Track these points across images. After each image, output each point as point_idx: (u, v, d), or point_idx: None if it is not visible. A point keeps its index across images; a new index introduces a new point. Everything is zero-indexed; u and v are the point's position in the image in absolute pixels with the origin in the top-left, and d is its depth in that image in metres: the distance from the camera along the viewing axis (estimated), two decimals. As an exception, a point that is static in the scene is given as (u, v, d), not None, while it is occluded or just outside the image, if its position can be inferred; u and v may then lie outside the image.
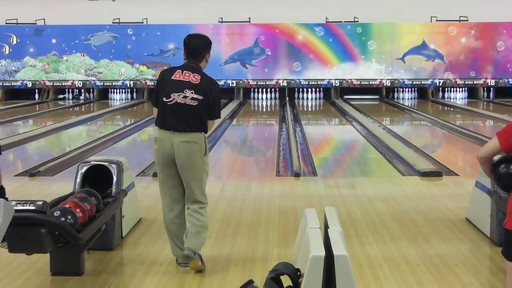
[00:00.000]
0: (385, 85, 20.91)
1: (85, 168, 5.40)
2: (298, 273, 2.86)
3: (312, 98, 21.13)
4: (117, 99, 21.24)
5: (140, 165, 8.91)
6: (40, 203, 4.11)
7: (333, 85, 20.82)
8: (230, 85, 20.71)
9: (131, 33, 20.78)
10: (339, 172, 8.85)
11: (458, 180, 8.08)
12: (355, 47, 20.66)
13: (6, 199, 3.88)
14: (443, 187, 7.72)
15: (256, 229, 5.86)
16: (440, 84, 20.91)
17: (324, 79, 20.77)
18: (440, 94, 21.30)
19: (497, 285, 4.45)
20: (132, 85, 20.97)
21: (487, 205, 5.45)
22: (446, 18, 20.59)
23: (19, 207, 4.02)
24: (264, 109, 19.33)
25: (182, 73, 4.71)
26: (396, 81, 20.83)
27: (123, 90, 21.31)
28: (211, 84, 4.74)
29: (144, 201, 6.58)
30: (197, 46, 4.77)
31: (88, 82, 20.95)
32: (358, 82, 20.81)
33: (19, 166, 9.50)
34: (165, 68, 5.06)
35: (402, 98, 21.21)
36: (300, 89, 21.14)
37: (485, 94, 21.21)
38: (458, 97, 21.21)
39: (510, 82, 20.78)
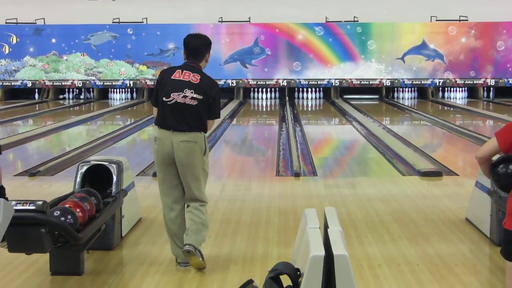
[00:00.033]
0: (385, 84, 20.91)
1: (85, 168, 5.40)
2: (298, 272, 2.86)
3: (312, 98, 21.13)
4: (117, 98, 21.24)
5: (140, 164, 8.91)
6: (40, 203, 4.11)
7: (333, 84, 20.82)
8: (230, 84, 20.71)
9: (131, 32, 20.78)
10: (339, 172, 8.85)
11: (458, 180, 8.08)
12: (355, 46, 20.66)
13: (6, 199, 3.87)
14: (443, 187, 7.72)
15: (256, 229, 5.86)
16: (440, 84, 20.91)
17: (324, 79, 20.77)
18: (440, 94, 21.30)
19: (496, 285, 4.46)
20: (132, 85, 20.97)
21: (487, 205, 5.45)
22: (446, 18, 20.59)
23: (19, 207, 4.02)
24: (264, 109, 19.33)
25: (182, 73, 4.72)
26: (396, 81, 20.83)
27: (123, 90, 21.31)
28: (210, 84, 4.74)
29: (144, 201, 6.58)
30: (197, 46, 4.77)
31: (88, 82, 20.94)
32: (358, 82, 20.81)
33: (19, 165, 9.50)
34: (165, 68, 5.06)
35: (402, 98, 21.21)
36: (300, 89, 21.14)
37: (485, 94, 21.21)
38: (458, 97, 21.21)
39: (510, 82, 20.78)
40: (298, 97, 21.12)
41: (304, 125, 14.34)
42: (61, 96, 21.54)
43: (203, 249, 4.79)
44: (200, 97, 4.67)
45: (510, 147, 3.38)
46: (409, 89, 21.32)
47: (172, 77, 4.71)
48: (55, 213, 4.29)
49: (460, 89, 21.29)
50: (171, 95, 4.67)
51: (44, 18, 20.73)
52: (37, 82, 20.98)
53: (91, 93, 21.49)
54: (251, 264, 4.90)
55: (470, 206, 6.08)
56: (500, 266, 4.70)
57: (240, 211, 6.53)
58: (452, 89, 21.28)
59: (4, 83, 21.02)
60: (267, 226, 5.96)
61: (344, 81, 20.76)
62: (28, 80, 20.93)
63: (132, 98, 21.27)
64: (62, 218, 4.27)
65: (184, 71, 4.73)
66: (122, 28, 20.79)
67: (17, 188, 7.59)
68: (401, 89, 21.35)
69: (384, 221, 6.07)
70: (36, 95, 21.41)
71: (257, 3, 20.85)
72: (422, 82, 20.85)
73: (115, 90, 21.26)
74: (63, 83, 21.05)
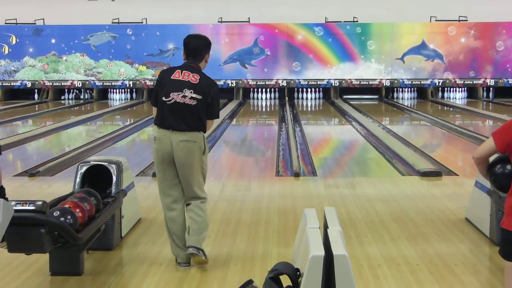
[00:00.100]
0: (384, 85, 20.91)
1: (84, 168, 5.40)
2: (298, 273, 2.86)
3: (311, 98, 21.13)
4: (117, 99, 21.23)
5: (139, 165, 8.91)
6: (39, 203, 4.11)
7: (333, 85, 20.82)
8: (230, 85, 20.71)
9: (130, 33, 20.78)
10: (338, 172, 8.85)
11: (457, 180, 8.08)
12: (354, 47, 20.66)
13: (6, 199, 3.87)
14: (442, 187, 7.72)
15: (255, 229, 5.86)
16: (440, 84, 20.91)
17: (324, 79, 20.77)
18: (440, 94, 21.30)
19: (496, 284, 4.46)
20: (131, 85, 20.97)
21: (486, 205, 5.45)
22: (445, 18, 20.60)
23: (19, 207, 4.02)
24: (264, 109, 19.33)
25: (181, 73, 4.73)
26: (396, 81, 20.83)
27: (123, 90, 21.30)
28: (210, 84, 4.75)
29: (143, 201, 6.58)
30: (196, 46, 4.79)
31: (87, 82, 20.94)
32: (358, 82, 20.81)
33: (19, 166, 9.50)
34: (165, 68, 5.07)
35: (402, 98, 21.21)
36: (300, 89, 21.14)
37: (485, 94, 21.21)
38: (458, 97, 21.21)
39: (510, 82, 20.79)
40: (298, 97, 21.12)
41: (303, 125, 14.34)
42: (62, 97, 21.55)
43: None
44: (199, 97, 4.69)
45: (507, 147, 3.37)
46: (409, 89, 21.32)
47: (171, 77, 4.73)
48: (54, 214, 4.28)
49: (460, 89, 21.29)
50: (171, 95, 4.68)
51: (43, 19, 20.72)
52: (37, 82, 20.98)
53: (90, 94, 21.47)
54: (251, 264, 4.90)
55: (470, 206, 6.08)
56: (500, 266, 4.69)
57: (240, 211, 6.53)
58: (451, 89, 21.28)
59: (4, 84, 21.02)
60: (266, 226, 5.96)
61: (343, 81, 20.77)
62: (28, 81, 20.93)
63: (131, 98, 21.27)
64: (62, 219, 4.27)
65: (184, 71, 4.74)
66: (122, 29, 20.79)
67: (17, 188, 7.59)
68: (400, 89, 21.35)
69: (384, 221, 6.07)
70: (36, 96, 21.41)
71: (257, 3, 20.85)
72: (422, 82, 20.86)
73: (114, 90, 21.26)
74: (62, 84, 21.05)
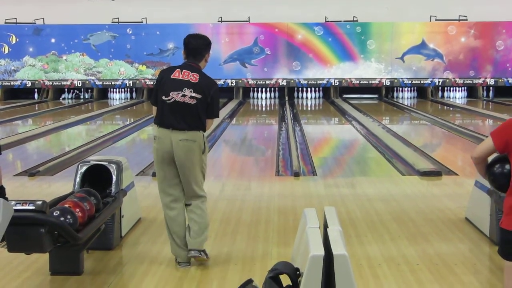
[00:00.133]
0: (384, 84, 20.91)
1: (84, 168, 5.40)
2: (298, 272, 2.86)
3: (311, 98, 21.12)
4: (117, 98, 21.23)
5: (139, 164, 8.91)
6: (39, 202, 4.11)
7: (333, 84, 20.81)
8: (230, 84, 20.71)
9: (130, 32, 20.77)
10: (338, 172, 8.85)
11: (457, 179, 8.08)
12: (354, 46, 20.66)
13: (6, 199, 3.87)
14: (442, 187, 7.72)
15: (255, 228, 5.86)
16: (440, 84, 20.91)
17: (324, 79, 20.76)
18: (440, 93, 21.29)
19: (496, 284, 4.45)
20: (131, 85, 20.96)
21: (486, 204, 5.45)
22: (445, 17, 20.59)
23: (19, 207, 4.02)
24: (264, 109, 19.33)
25: (181, 72, 4.74)
26: (396, 81, 20.83)
27: (123, 90, 21.30)
28: (209, 83, 4.76)
29: (143, 200, 6.58)
30: (196, 46, 4.79)
31: (87, 82, 20.94)
32: (358, 82, 20.81)
33: (19, 165, 9.50)
34: (165, 68, 5.08)
35: (402, 98, 21.21)
36: (300, 89, 21.14)
37: (485, 93, 21.21)
38: (458, 97, 21.21)
39: (510, 81, 20.78)
40: (298, 97, 21.11)
41: (303, 124, 14.34)
42: (63, 96, 21.55)
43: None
44: (199, 96, 4.69)
45: (505, 146, 3.37)
46: (409, 88, 21.31)
47: (171, 76, 4.74)
48: (54, 213, 4.28)
49: (460, 88, 21.29)
50: (170, 94, 4.69)
51: (43, 18, 20.72)
52: (37, 82, 20.97)
53: (90, 93, 21.48)
54: (250, 263, 4.90)
55: (470, 205, 6.08)
56: (499, 266, 4.69)
57: (240, 210, 6.53)
58: (451, 88, 21.28)
59: (4, 83, 21.02)
60: (266, 225, 5.96)
61: (343, 81, 20.76)
62: (28, 80, 20.93)
63: (131, 98, 21.27)
64: (62, 218, 4.27)
65: (184, 70, 4.75)
66: (122, 28, 20.79)
67: (17, 188, 7.59)
68: (400, 88, 21.34)
69: (383, 221, 6.07)
70: (36, 95, 21.40)
71: (257, 3, 20.84)
72: (422, 81, 20.85)
73: (114, 90, 21.26)
74: (62, 83, 21.04)
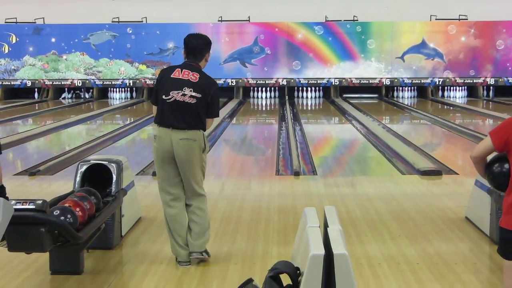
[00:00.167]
0: (384, 84, 20.91)
1: (84, 167, 5.40)
2: (298, 271, 2.86)
3: (311, 97, 21.12)
4: (117, 98, 21.22)
5: (139, 164, 8.91)
6: (39, 202, 4.11)
7: (333, 84, 20.81)
8: (230, 84, 20.71)
9: (130, 32, 20.77)
10: (338, 171, 8.85)
11: (457, 178, 8.08)
12: (354, 46, 20.65)
13: (7, 198, 3.87)
14: (442, 186, 7.72)
15: (255, 228, 5.86)
16: (440, 83, 20.90)
17: (324, 78, 20.76)
18: (440, 93, 21.29)
19: (496, 283, 4.46)
20: (131, 84, 20.96)
21: (486, 203, 5.45)
22: (445, 16, 20.59)
23: (19, 206, 4.02)
24: (264, 108, 19.33)
25: (181, 72, 4.75)
26: (396, 80, 20.83)
27: (123, 89, 21.30)
28: (209, 83, 4.77)
29: (143, 200, 6.58)
30: (197, 45, 4.80)
31: (87, 81, 20.94)
32: (358, 81, 20.81)
33: (19, 165, 9.50)
34: (165, 67, 5.08)
35: (402, 97, 21.21)
36: (300, 88, 21.14)
37: (485, 92, 21.21)
38: (458, 96, 21.21)
39: (510, 80, 20.78)
40: (298, 96, 21.11)
41: (303, 124, 14.34)
42: (63, 96, 21.55)
43: (203, 248, 4.82)
44: (199, 95, 4.70)
45: (504, 146, 3.37)
46: (409, 88, 21.31)
47: (171, 76, 4.75)
48: (54, 212, 4.28)
49: (460, 88, 21.29)
50: (171, 93, 4.70)
51: (43, 18, 20.72)
52: (37, 81, 20.97)
53: (90, 93, 21.47)
54: (251, 263, 4.90)
55: (470, 205, 6.08)
56: (499, 265, 4.69)
57: (240, 210, 6.53)
58: (451, 88, 21.27)
59: (4, 83, 21.02)
60: (267, 225, 5.96)
61: (343, 80, 20.76)
62: (28, 80, 20.93)
63: (131, 97, 21.27)
64: (62, 217, 4.27)
65: (184, 69, 4.75)
66: (122, 28, 20.79)
67: (17, 187, 7.59)
68: (400, 88, 21.34)
69: (384, 220, 6.07)
70: (36, 95, 21.39)
71: (257, 2, 20.83)
72: (422, 81, 20.85)
73: (114, 89, 21.25)
74: (62, 83, 21.04)
